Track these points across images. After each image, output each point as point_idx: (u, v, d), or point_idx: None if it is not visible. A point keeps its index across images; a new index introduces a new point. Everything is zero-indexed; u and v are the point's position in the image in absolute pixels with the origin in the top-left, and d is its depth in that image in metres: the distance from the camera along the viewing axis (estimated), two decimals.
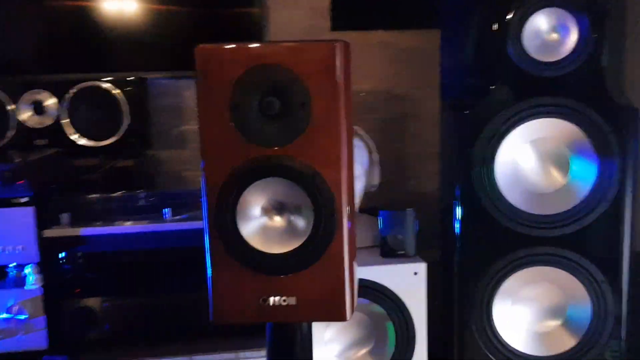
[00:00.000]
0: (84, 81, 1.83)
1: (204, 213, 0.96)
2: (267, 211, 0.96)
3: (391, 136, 2.30)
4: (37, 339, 1.46)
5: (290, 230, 0.96)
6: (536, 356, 1.52)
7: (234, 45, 0.91)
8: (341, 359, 1.50)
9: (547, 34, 1.42)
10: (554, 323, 1.54)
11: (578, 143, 1.45)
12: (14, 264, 1.46)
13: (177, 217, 1.47)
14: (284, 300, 0.96)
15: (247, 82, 0.91)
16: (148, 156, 2.04)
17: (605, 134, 1.42)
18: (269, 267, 0.96)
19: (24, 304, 1.44)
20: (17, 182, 1.41)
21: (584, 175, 1.46)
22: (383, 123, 2.27)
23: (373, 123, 2.22)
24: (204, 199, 0.95)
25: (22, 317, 1.43)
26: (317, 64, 0.91)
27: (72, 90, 1.83)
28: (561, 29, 1.41)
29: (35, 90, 1.82)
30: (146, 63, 1.93)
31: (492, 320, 1.51)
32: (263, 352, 1.52)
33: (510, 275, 1.49)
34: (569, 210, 1.46)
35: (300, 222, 0.96)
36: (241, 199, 0.94)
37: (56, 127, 1.84)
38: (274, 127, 0.93)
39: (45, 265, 1.46)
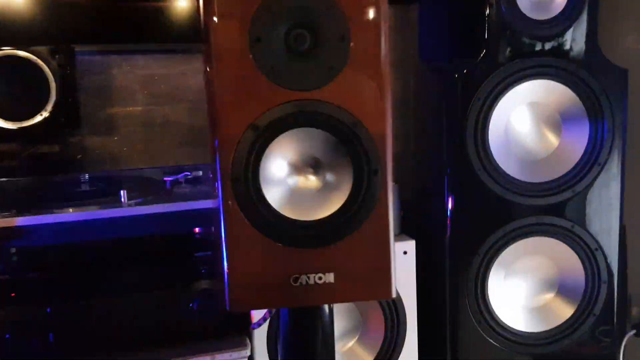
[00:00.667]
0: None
1: (218, 175, 0.77)
2: (296, 170, 0.79)
3: None
4: None
5: (324, 192, 0.79)
6: (534, 332, 1.44)
7: None
8: None
9: None
10: (549, 295, 1.46)
11: (570, 105, 1.38)
12: None
13: (138, 201, 1.25)
14: (320, 278, 0.80)
15: (272, 10, 0.74)
16: (73, 142, 1.77)
17: (597, 95, 1.37)
18: (301, 239, 0.78)
19: None
20: None
21: (576, 138, 1.40)
22: None
23: None
24: (217, 156, 0.76)
25: None
26: None
27: None
28: None
29: None
30: (69, 33, 1.67)
31: (487, 297, 1.41)
32: (242, 352, 1.34)
33: (505, 249, 1.40)
34: (562, 177, 1.39)
35: (336, 182, 0.79)
36: (265, 156, 0.77)
37: None
38: (305, 65, 0.76)
39: None
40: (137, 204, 1.25)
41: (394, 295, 0.82)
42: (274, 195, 0.78)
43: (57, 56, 1.61)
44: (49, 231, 1.22)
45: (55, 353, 1.25)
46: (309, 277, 0.79)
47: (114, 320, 1.28)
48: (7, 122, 1.57)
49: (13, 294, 1.21)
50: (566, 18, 1.34)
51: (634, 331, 1.56)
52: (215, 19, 0.74)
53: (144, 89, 1.93)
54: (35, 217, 1.22)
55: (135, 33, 1.81)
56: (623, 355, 1.51)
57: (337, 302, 0.87)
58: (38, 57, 1.58)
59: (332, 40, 0.75)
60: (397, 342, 1.44)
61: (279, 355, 0.94)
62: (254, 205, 0.77)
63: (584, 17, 1.35)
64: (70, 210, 1.24)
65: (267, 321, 1.33)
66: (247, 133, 0.75)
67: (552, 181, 1.40)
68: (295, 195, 0.79)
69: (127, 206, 1.24)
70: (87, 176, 1.41)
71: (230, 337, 1.34)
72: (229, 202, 0.76)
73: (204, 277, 1.32)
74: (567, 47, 1.36)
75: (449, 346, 1.45)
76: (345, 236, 0.79)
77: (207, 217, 1.32)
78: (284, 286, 0.79)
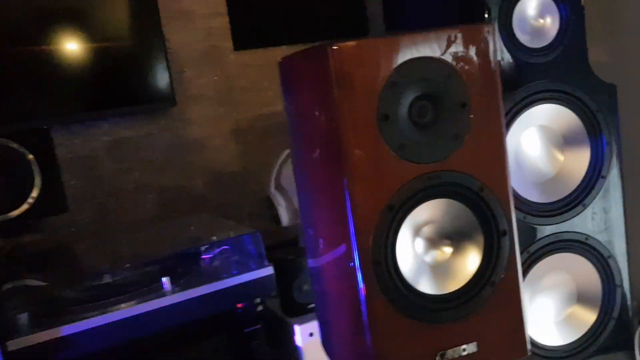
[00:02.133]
0: None
1: (356, 259, 0.73)
2: (430, 244, 0.77)
3: None
4: None
5: (458, 260, 0.78)
6: (565, 344, 1.49)
7: (383, 39, 0.71)
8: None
9: (534, 20, 1.41)
10: (572, 307, 1.52)
11: (571, 125, 1.45)
12: None
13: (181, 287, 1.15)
14: (464, 350, 0.78)
15: (397, 85, 0.72)
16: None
17: (593, 113, 1.45)
18: (443, 313, 0.76)
19: None
20: None
21: (579, 155, 1.47)
22: None
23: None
24: (352, 239, 0.72)
25: None
26: (475, 54, 0.74)
27: None
28: (545, 13, 1.41)
29: None
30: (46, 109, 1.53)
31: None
32: None
33: (530, 270, 1.44)
34: (572, 193, 1.46)
35: (468, 249, 0.78)
36: (400, 233, 0.74)
37: None
38: (429, 137, 0.74)
39: None
40: (182, 289, 1.16)
41: (529, 353, 0.81)
42: (411, 273, 0.75)
43: (35, 139, 1.47)
44: (90, 336, 1.10)
45: None
46: (454, 351, 0.77)
47: None
48: None
49: None
50: (559, 43, 1.41)
51: None
52: (341, 98, 0.70)
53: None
54: (75, 325, 1.09)
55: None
56: (638, 347, 1.60)
57: None
58: (16, 142, 1.44)
59: (454, 108, 0.74)
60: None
61: None
62: (395, 286, 0.74)
63: (575, 40, 1.42)
64: (117, 308, 1.12)
65: None
66: (384, 214, 0.72)
67: (564, 198, 1.46)
68: (430, 269, 0.77)
69: (172, 293, 1.15)
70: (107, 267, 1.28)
71: None
72: (371, 286, 0.73)
73: (257, 352, 1.24)
74: (563, 70, 1.43)
75: None
76: (483, 303, 0.78)
77: (248, 290, 1.25)
78: None
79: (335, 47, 0.69)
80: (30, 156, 1.45)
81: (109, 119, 1.79)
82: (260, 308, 1.28)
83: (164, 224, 1.70)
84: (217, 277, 1.22)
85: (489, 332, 0.78)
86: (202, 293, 1.19)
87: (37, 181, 1.46)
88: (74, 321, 1.09)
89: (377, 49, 0.71)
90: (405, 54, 0.71)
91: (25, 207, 1.45)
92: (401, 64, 0.71)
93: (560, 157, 1.47)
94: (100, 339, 1.12)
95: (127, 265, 1.19)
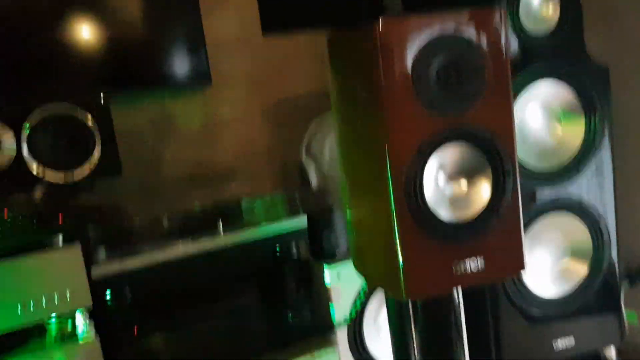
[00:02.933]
0: (43, 108, 1.59)
1: (391, 191, 0.93)
2: (450, 179, 0.97)
3: None
4: None
5: (471, 195, 0.98)
6: (559, 297, 1.70)
7: (417, 17, 0.91)
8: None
9: (538, 8, 1.61)
10: (565, 260, 1.72)
11: (568, 102, 1.65)
12: (54, 314, 1.23)
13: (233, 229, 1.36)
14: (474, 265, 0.98)
15: (429, 53, 0.92)
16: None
17: (587, 91, 1.65)
18: (459, 235, 0.97)
19: None
20: (58, 217, 1.19)
21: (576, 130, 1.67)
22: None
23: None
24: (390, 175, 0.93)
25: None
26: (490, 31, 0.95)
27: (32, 120, 1.58)
28: (548, 2, 1.60)
29: None
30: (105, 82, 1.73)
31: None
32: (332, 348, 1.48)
33: (530, 225, 1.64)
34: (570, 161, 1.66)
35: (480, 186, 0.99)
36: (425, 173, 0.95)
37: (15, 164, 1.57)
38: (452, 95, 0.94)
39: (95, 310, 1.25)
40: (232, 232, 1.37)
41: (526, 267, 1.02)
42: (434, 202, 0.96)
43: (97, 109, 1.68)
44: (158, 269, 1.32)
45: None
46: (466, 265, 0.98)
47: (222, 337, 1.39)
48: (58, 174, 1.61)
49: (135, 331, 1.29)
50: (560, 30, 1.61)
51: (627, 280, 1.86)
52: (384, 62, 0.90)
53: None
54: (148, 256, 1.31)
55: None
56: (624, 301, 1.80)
57: (488, 282, 1.06)
58: (81, 110, 1.64)
59: (472, 72, 0.94)
60: None
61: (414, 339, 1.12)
62: (421, 212, 0.94)
63: (573, 27, 1.62)
64: (179, 246, 1.34)
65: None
66: (415, 156, 0.93)
67: (561, 166, 1.66)
68: (449, 200, 0.97)
69: (224, 235, 1.37)
70: (150, 219, 1.49)
71: (321, 338, 1.49)
72: (403, 213, 0.93)
73: (293, 288, 1.46)
74: (562, 53, 1.62)
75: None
76: (490, 229, 0.98)
77: (285, 235, 1.46)
78: (447, 275, 0.97)
79: (380, 22, 0.89)
80: (92, 123, 1.66)
81: (152, 96, 1.99)
82: (295, 252, 1.49)
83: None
84: (260, 223, 1.43)
85: (494, 252, 0.99)
86: (248, 236, 1.40)
87: (97, 145, 1.67)
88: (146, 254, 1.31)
89: (414, 24, 0.91)
90: (435, 29, 0.92)
91: (86, 169, 1.66)
92: (432, 37, 0.91)
93: (559, 129, 1.67)
94: (166, 270, 1.33)
95: (188, 211, 1.40)
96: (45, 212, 1.16)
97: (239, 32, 2.14)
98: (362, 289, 1.50)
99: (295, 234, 1.46)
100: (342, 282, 1.51)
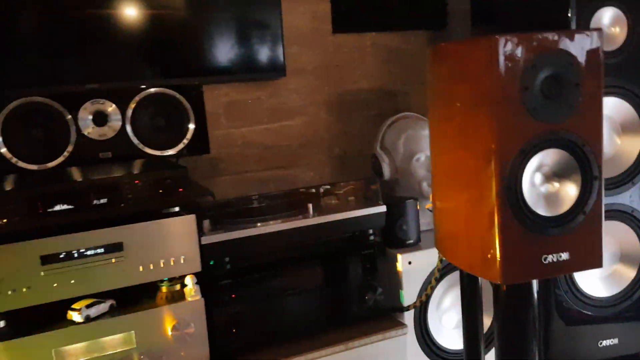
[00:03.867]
0: (146, 89, 1.73)
1: (494, 185, 1.06)
2: (545, 179, 1.10)
3: None
4: (200, 353, 1.39)
5: (562, 194, 1.11)
6: (608, 296, 1.82)
7: (528, 35, 1.04)
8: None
9: (607, 28, 1.72)
10: (615, 265, 1.84)
11: (628, 116, 1.77)
12: (166, 277, 1.38)
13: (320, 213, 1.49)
14: (560, 257, 1.11)
15: (536, 68, 1.05)
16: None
17: None
18: (550, 229, 1.10)
19: (187, 318, 1.36)
20: (180, 190, 1.33)
21: (633, 142, 1.79)
22: (378, 118, 2.44)
23: (370, 118, 2.38)
24: (494, 171, 1.06)
25: (188, 331, 1.36)
26: (588, 50, 1.07)
27: (136, 98, 1.72)
28: (616, 24, 1.72)
29: (96, 100, 1.68)
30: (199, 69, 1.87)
31: (574, 276, 1.77)
32: (402, 329, 1.61)
33: None
34: (624, 172, 1.78)
35: (570, 187, 1.11)
36: (525, 170, 1.08)
37: (120, 138, 1.72)
38: (553, 105, 1.07)
39: (204, 274, 1.40)
40: (320, 215, 1.51)
41: (603, 264, 1.15)
42: (530, 198, 1.09)
43: (193, 91, 1.82)
44: (255, 242, 1.46)
45: (264, 341, 1.50)
46: (553, 256, 1.11)
47: (304, 310, 1.53)
48: (155, 150, 1.76)
49: (233, 295, 1.43)
50: (625, 49, 1.72)
51: None
52: (493, 73, 1.03)
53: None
54: (246, 230, 1.45)
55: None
56: None
57: (570, 272, 1.19)
58: (178, 92, 1.79)
59: (571, 87, 1.07)
60: None
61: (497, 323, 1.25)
62: (519, 206, 1.07)
63: (637, 47, 1.74)
64: (272, 223, 1.48)
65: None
66: (517, 155, 1.06)
67: (617, 176, 1.78)
68: (543, 197, 1.10)
69: (312, 217, 1.50)
70: (249, 198, 1.63)
71: (392, 319, 1.63)
72: (504, 206, 1.06)
73: (369, 270, 1.60)
74: (625, 70, 1.74)
75: None
76: (576, 226, 1.11)
77: (365, 222, 1.60)
78: (537, 263, 1.10)
79: (499, 38, 1.02)
80: (187, 105, 1.80)
81: (229, 83, 2.12)
82: (372, 237, 1.63)
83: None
84: (344, 209, 1.57)
85: (578, 247, 1.12)
86: (333, 219, 1.54)
87: (191, 125, 1.81)
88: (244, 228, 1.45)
89: (526, 42, 1.04)
90: (542, 46, 1.04)
91: (181, 146, 1.81)
92: (539, 52, 1.04)
93: (618, 141, 1.79)
94: (259, 243, 1.47)
95: (283, 194, 1.54)
96: (166, 184, 1.30)
97: (311, 27, 2.27)
98: (431, 275, 1.64)
99: (373, 222, 1.59)
100: (412, 268, 1.64)
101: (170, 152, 1.78)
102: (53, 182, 1.33)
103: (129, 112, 1.71)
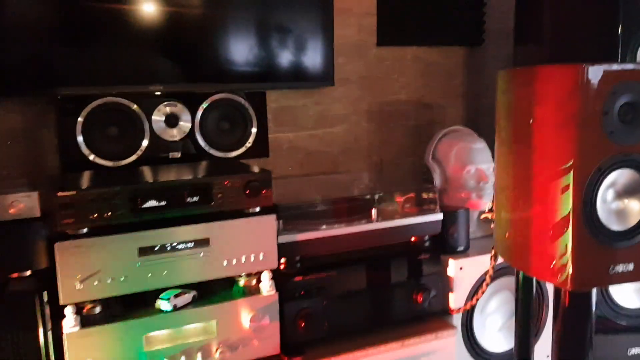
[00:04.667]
0: (214, 93, 1.83)
1: (571, 198, 1.16)
2: (617, 195, 1.20)
3: (422, 139, 2.58)
4: (271, 344, 1.49)
5: (630, 211, 1.22)
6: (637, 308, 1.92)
7: (610, 66, 1.14)
8: None
9: None
10: None
11: None
12: (245, 272, 1.47)
13: (383, 218, 1.59)
14: (625, 267, 1.21)
15: (616, 94, 1.15)
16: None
17: None
18: (618, 241, 1.20)
19: (263, 310, 1.45)
20: (263, 191, 1.42)
21: None
22: (415, 128, 2.54)
23: (407, 128, 2.48)
24: (572, 185, 1.16)
25: (263, 323, 1.45)
26: None
27: (205, 103, 1.81)
28: None
29: (169, 102, 1.77)
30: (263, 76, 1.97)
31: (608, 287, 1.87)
32: (452, 331, 1.71)
33: None
34: None
35: (636, 205, 1.22)
36: (600, 187, 1.18)
37: (188, 139, 1.81)
38: (628, 129, 1.17)
39: (276, 271, 1.49)
40: (382, 220, 1.61)
41: None
42: (602, 212, 1.19)
43: (256, 98, 1.92)
44: (323, 243, 1.55)
45: (329, 336, 1.60)
46: (619, 267, 1.21)
47: (364, 308, 1.63)
48: (219, 152, 1.85)
49: (302, 292, 1.53)
50: None
51: None
52: (579, 99, 1.13)
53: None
54: (315, 232, 1.54)
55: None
56: None
57: (633, 281, 1.28)
58: (243, 98, 1.88)
59: None
60: None
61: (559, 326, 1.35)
62: (592, 219, 1.18)
63: None
64: (337, 225, 1.58)
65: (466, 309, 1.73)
66: (594, 172, 1.16)
67: None
68: (614, 212, 1.20)
69: (376, 221, 1.60)
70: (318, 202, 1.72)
71: (442, 321, 1.73)
72: (578, 217, 1.16)
73: (423, 274, 1.69)
74: None
75: None
76: None
77: (422, 228, 1.70)
78: (604, 273, 1.20)
79: (585, 67, 1.12)
80: (251, 110, 1.89)
81: (279, 90, 2.22)
82: (427, 243, 1.72)
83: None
84: (404, 215, 1.66)
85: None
86: (394, 225, 1.64)
87: (254, 130, 1.90)
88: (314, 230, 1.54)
89: (607, 70, 1.14)
90: (622, 75, 1.15)
91: (243, 149, 1.90)
92: (618, 79, 1.14)
93: None
94: (329, 244, 1.57)
95: (344, 199, 1.64)
96: (252, 185, 1.39)
97: (357, 39, 2.37)
98: (480, 280, 1.74)
99: (429, 228, 1.69)
100: (461, 274, 1.74)
101: (234, 154, 1.88)
102: (152, 181, 1.42)
103: (198, 115, 1.81)
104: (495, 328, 1.83)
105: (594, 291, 1.33)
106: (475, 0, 2.54)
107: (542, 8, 2.10)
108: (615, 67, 1.15)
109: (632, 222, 1.22)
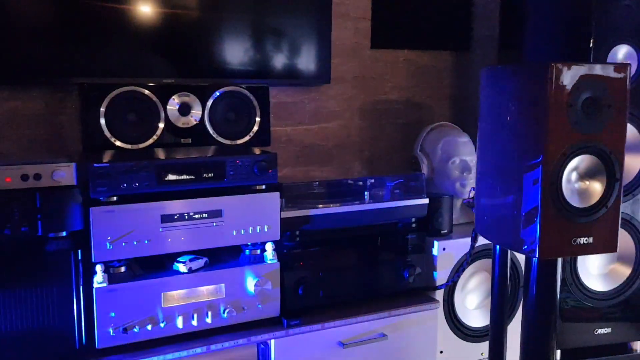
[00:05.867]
0: (222, 85, 2.00)
1: (539, 180, 1.35)
2: (579, 177, 1.40)
3: (411, 137, 2.76)
4: (272, 307, 1.66)
5: (590, 191, 1.41)
6: (606, 290, 2.11)
7: (576, 64, 1.34)
8: None
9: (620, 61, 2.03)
10: (613, 264, 2.14)
11: (631, 137, 2.07)
12: (250, 243, 1.65)
13: (377, 199, 1.78)
14: (586, 240, 1.41)
15: (579, 90, 1.34)
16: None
17: None
18: (579, 217, 1.39)
19: (266, 277, 1.63)
20: (269, 171, 1.60)
21: (635, 161, 2.09)
22: (404, 126, 2.72)
23: (397, 126, 2.67)
24: (543, 168, 1.35)
25: (266, 288, 1.62)
26: (618, 80, 1.37)
27: (215, 94, 1.99)
28: (628, 58, 2.03)
29: (183, 93, 1.94)
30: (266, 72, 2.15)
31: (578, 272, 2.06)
32: (435, 304, 1.89)
33: None
34: (625, 186, 2.09)
35: (596, 186, 1.41)
36: (565, 171, 1.37)
37: (199, 127, 1.98)
38: (590, 120, 1.37)
39: (279, 243, 1.67)
40: (374, 202, 1.80)
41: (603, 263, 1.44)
42: (566, 192, 1.38)
43: (259, 91, 2.09)
44: (321, 219, 1.73)
45: (323, 304, 1.78)
46: (580, 239, 1.40)
47: (355, 281, 1.82)
48: (226, 139, 2.02)
49: (301, 263, 1.71)
50: (635, 79, 2.04)
51: None
52: (549, 93, 1.33)
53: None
54: (315, 209, 1.72)
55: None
56: None
57: (591, 254, 1.47)
58: (249, 91, 2.06)
59: (605, 107, 1.37)
60: None
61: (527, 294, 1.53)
62: (557, 197, 1.37)
63: None
64: (333, 205, 1.76)
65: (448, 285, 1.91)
66: (560, 158, 1.35)
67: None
68: (576, 192, 1.40)
69: (367, 203, 1.79)
70: (317, 183, 1.90)
71: (426, 296, 1.91)
72: (546, 196, 1.35)
73: (410, 252, 1.88)
74: (634, 97, 2.05)
75: None
76: (600, 216, 1.40)
77: (409, 211, 1.88)
78: (567, 244, 1.39)
79: (554, 65, 1.31)
80: (255, 102, 2.07)
81: (279, 87, 2.39)
82: (414, 225, 1.91)
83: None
84: (393, 198, 1.85)
85: (599, 233, 1.41)
86: (384, 206, 1.82)
87: (257, 119, 2.07)
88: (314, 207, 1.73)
89: (573, 70, 1.33)
90: (584, 71, 1.34)
91: (247, 137, 2.07)
92: (582, 77, 1.34)
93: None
94: (324, 221, 1.75)
95: (340, 182, 1.82)
96: (260, 165, 1.57)
97: (352, 41, 2.55)
98: (461, 260, 1.93)
99: (416, 211, 1.88)
100: (445, 254, 1.93)
101: (239, 142, 2.05)
102: (174, 158, 1.59)
103: (208, 105, 1.98)
104: (473, 306, 2.02)
105: (559, 261, 1.52)
106: (464, 8, 2.73)
107: (524, 17, 2.31)
108: (579, 66, 1.35)
109: (593, 201, 1.41)
